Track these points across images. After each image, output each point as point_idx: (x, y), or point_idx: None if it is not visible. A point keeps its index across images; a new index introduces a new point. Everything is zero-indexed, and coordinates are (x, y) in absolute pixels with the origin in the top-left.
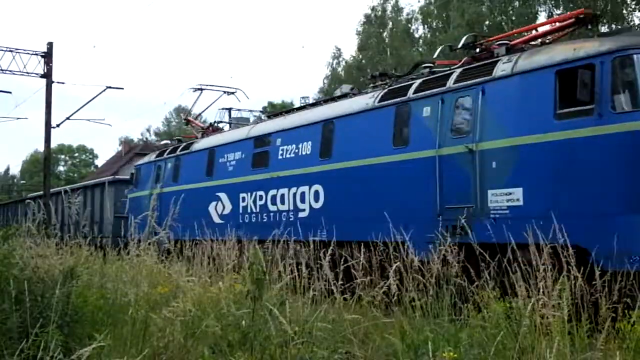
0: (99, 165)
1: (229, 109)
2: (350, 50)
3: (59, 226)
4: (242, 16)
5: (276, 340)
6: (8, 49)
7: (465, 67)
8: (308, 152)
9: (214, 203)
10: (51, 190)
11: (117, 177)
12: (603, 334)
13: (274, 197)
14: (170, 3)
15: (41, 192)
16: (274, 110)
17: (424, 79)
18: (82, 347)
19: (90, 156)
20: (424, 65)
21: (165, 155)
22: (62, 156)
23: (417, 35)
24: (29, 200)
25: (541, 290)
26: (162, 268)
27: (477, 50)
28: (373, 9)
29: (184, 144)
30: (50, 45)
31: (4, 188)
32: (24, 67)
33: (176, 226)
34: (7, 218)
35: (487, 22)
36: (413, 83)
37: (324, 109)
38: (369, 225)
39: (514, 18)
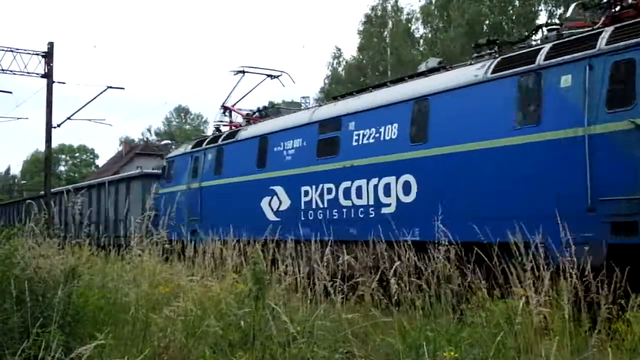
0: (100, 165)
1: (230, 109)
2: (351, 50)
3: (69, 226)
4: (243, 16)
5: (277, 339)
6: (9, 49)
7: (622, 25)
8: (394, 137)
9: (267, 198)
10: (69, 187)
11: (145, 171)
12: (595, 332)
13: (347, 190)
14: (170, 3)
15: (57, 189)
16: (274, 110)
17: (556, 42)
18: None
19: (91, 156)
20: (549, 28)
21: (204, 146)
22: (63, 156)
23: (417, 35)
24: (29, 201)
25: (537, 290)
26: (163, 268)
27: (617, 8)
28: (373, 8)
29: (227, 132)
30: (50, 45)
31: (5, 188)
32: (25, 67)
33: (210, 224)
34: (10, 218)
35: (487, 22)
36: (541, 48)
37: (412, 85)
38: (480, 223)
39: (514, 18)
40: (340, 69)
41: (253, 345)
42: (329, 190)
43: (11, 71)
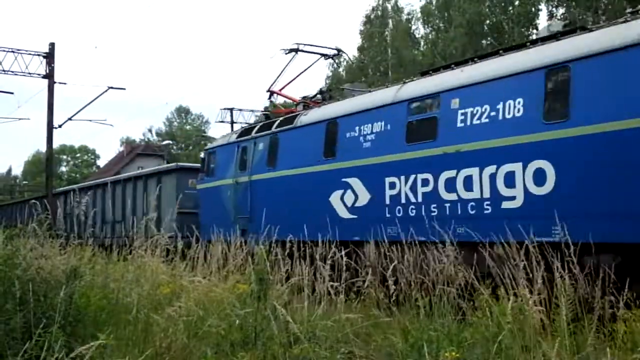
0: (101, 166)
1: (231, 109)
2: (351, 50)
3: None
4: (243, 16)
5: (279, 340)
6: (10, 50)
7: None
8: (518, 114)
9: (338, 192)
10: (89, 183)
11: (180, 164)
12: (592, 331)
13: (451, 181)
14: (170, 4)
15: (67, 188)
16: (276, 110)
17: None
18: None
19: (92, 157)
20: None
21: (253, 134)
22: (64, 157)
23: (418, 36)
24: (34, 201)
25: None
26: (165, 269)
27: None
28: (374, 9)
29: (283, 117)
30: (52, 45)
31: (6, 189)
32: (26, 68)
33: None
34: (12, 218)
35: (487, 22)
36: None
37: (541, 51)
38: None
39: (514, 18)
40: (340, 69)
41: (255, 346)
42: (425, 182)
43: (13, 72)
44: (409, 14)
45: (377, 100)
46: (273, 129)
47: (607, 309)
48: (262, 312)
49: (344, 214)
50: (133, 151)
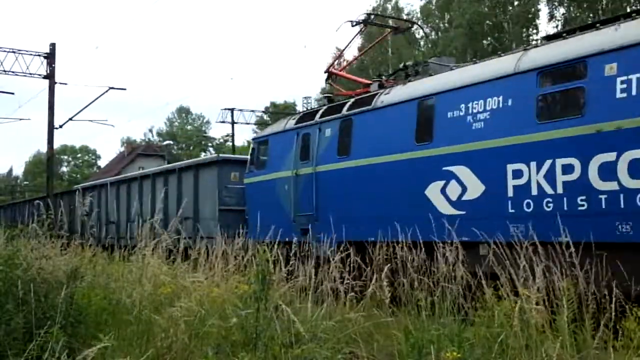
0: (102, 166)
1: (232, 109)
2: (352, 51)
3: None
4: (244, 16)
5: (281, 340)
6: (11, 50)
7: None
8: None
9: (438, 183)
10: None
11: (222, 155)
12: (596, 331)
13: (608, 167)
14: (172, 4)
15: (90, 184)
16: (277, 110)
17: None
18: (85, 348)
19: (93, 157)
20: None
21: (317, 119)
22: (65, 157)
23: (418, 36)
24: (37, 201)
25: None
26: (168, 271)
27: None
28: (374, 9)
29: (356, 98)
30: (52, 46)
31: (7, 189)
32: (27, 68)
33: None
34: (15, 219)
35: (487, 22)
36: None
37: None
38: None
39: (514, 18)
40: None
41: (255, 346)
42: (567, 169)
43: (13, 72)
44: (408, 14)
45: (490, 71)
46: (344, 112)
47: (591, 306)
48: (263, 312)
49: (445, 209)
50: (134, 151)
